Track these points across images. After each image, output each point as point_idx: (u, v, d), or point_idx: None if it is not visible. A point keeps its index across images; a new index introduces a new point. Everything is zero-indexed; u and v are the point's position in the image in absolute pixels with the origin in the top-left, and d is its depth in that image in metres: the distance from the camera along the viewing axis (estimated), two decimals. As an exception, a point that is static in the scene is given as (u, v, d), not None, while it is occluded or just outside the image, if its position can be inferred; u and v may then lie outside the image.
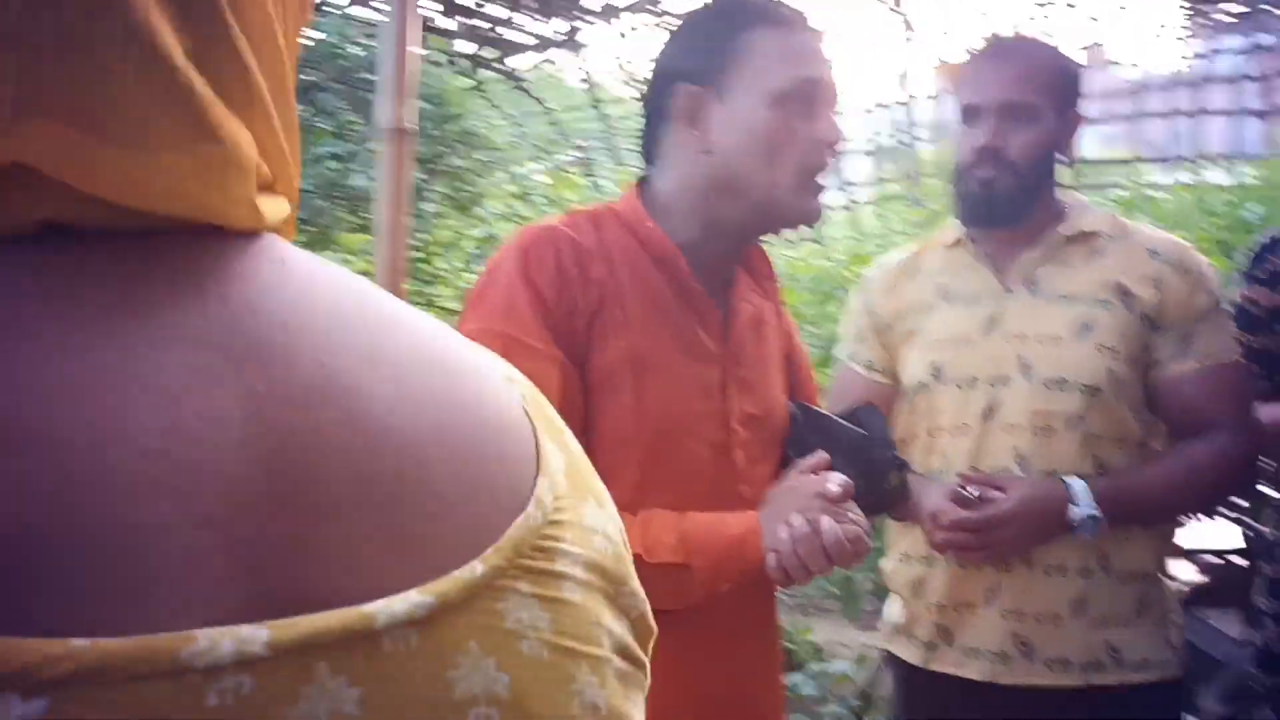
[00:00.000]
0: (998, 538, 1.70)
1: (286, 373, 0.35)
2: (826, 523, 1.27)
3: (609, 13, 5.53)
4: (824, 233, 8.45)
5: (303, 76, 2.81)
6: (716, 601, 1.33)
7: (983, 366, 1.80)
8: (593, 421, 1.31)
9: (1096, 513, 1.68)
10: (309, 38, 2.97)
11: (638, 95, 8.34)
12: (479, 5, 4.38)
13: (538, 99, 5.45)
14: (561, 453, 0.42)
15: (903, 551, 1.93)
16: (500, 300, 1.28)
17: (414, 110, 1.81)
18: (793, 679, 3.48)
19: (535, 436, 0.41)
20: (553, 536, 0.39)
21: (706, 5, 1.47)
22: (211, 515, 0.32)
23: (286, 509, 0.33)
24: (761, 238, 1.48)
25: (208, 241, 0.36)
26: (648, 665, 0.45)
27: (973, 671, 1.79)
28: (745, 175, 1.36)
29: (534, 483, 0.39)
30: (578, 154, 7.56)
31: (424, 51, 3.59)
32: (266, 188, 0.38)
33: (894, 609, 1.96)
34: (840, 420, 1.47)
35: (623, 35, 7.34)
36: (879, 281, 1.99)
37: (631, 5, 6.29)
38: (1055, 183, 1.87)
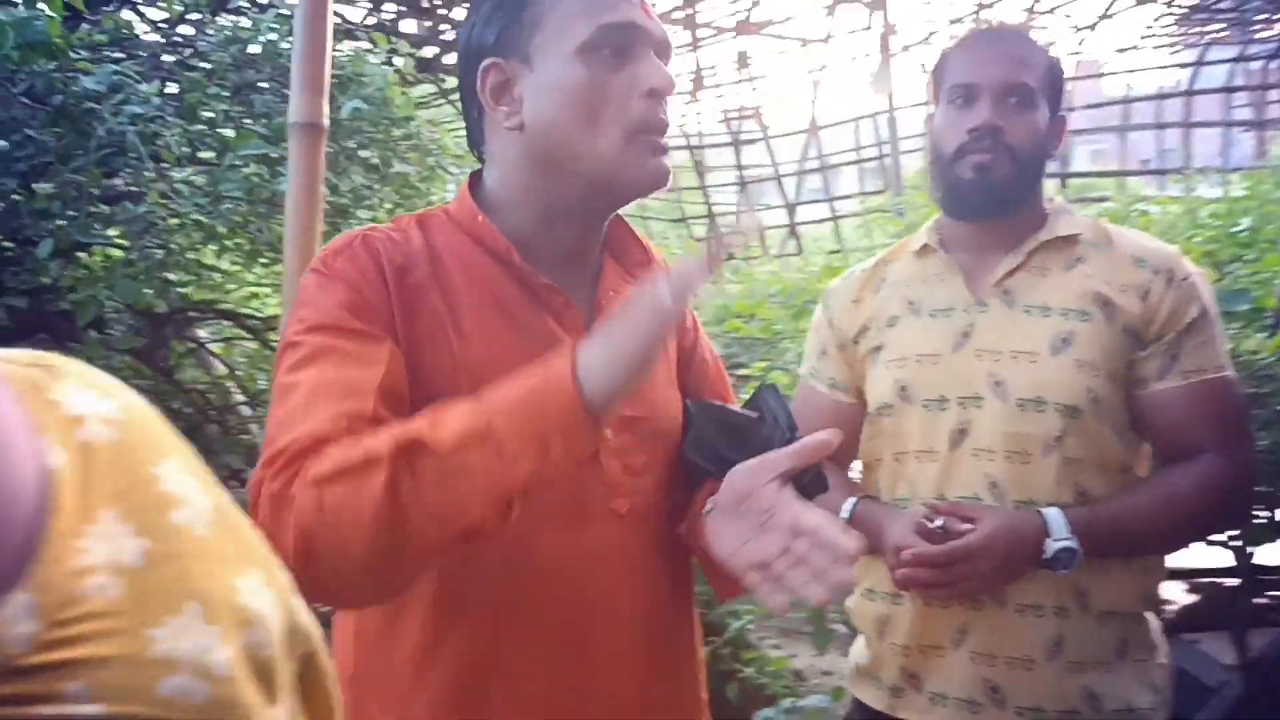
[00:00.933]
0: (965, 573, 1.54)
1: None
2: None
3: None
4: (806, 245, 8.34)
5: (237, 76, 2.65)
6: (602, 621, 1.17)
7: (952, 385, 1.65)
8: None
9: (1074, 545, 1.52)
10: (251, 36, 2.82)
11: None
12: (438, 7, 4.23)
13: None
14: (141, 537, 0.26)
15: (867, 587, 1.78)
16: (310, 302, 1.13)
17: (324, 105, 1.65)
18: (764, 714, 3.31)
19: (45, 521, 0.25)
20: (20, 695, 0.23)
21: None
22: None
23: None
24: (619, 211, 1.29)
25: None
26: None
27: (940, 720, 1.63)
28: (564, 145, 1.18)
29: None
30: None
31: (372, 53, 3.44)
32: None
33: (859, 649, 1.81)
34: (735, 409, 1.31)
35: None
36: (842, 293, 1.86)
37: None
38: (1041, 186, 1.73)
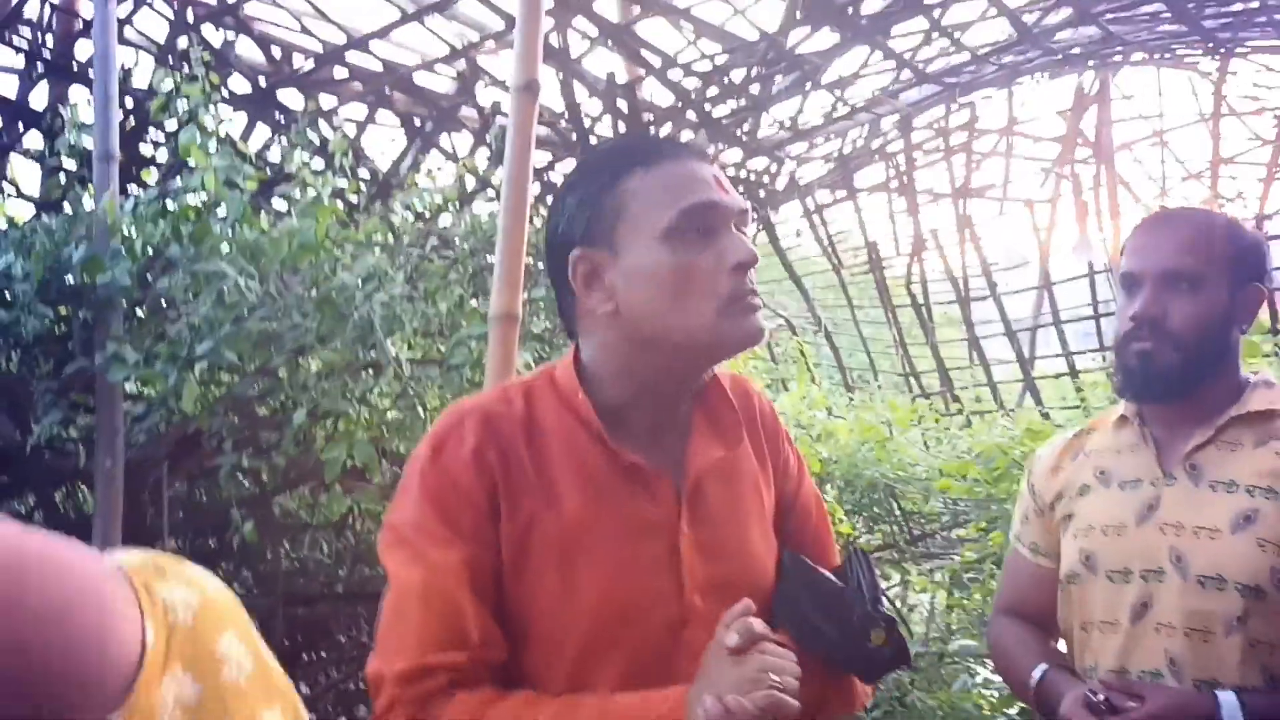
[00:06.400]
0: None
1: None
2: (733, 700, 1.12)
3: (796, 190, 5.72)
4: (1047, 399, 8.10)
5: (474, 262, 3.02)
6: None
7: (1135, 558, 1.65)
8: (526, 602, 1.26)
9: None
10: (490, 225, 3.20)
11: (833, 265, 8.51)
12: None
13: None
14: (197, 684, 0.43)
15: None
16: (409, 495, 1.29)
17: (519, 299, 1.90)
18: None
19: (139, 673, 0.42)
20: None
21: (583, 163, 1.42)
22: None
23: None
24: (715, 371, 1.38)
25: None
26: None
27: None
28: (659, 324, 1.28)
29: None
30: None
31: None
32: None
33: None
34: (825, 576, 1.33)
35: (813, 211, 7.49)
36: (1043, 460, 1.90)
37: (820, 180, 6.49)
38: (1234, 360, 1.72)
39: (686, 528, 1.30)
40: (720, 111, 5.66)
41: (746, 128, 5.90)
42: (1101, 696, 1.56)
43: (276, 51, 4.82)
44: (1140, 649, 1.61)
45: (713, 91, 5.42)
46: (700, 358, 1.32)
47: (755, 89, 5.39)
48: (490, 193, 4.76)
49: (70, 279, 3.21)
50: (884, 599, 1.29)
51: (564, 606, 1.25)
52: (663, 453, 1.33)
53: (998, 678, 4.30)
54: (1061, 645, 1.85)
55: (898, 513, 5.01)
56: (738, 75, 5.31)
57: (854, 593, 1.29)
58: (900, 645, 1.26)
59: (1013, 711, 3.54)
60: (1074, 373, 8.29)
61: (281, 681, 0.49)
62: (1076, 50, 6.50)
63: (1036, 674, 1.73)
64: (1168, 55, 7.11)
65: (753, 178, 6.55)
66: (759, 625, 1.18)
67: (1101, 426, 1.85)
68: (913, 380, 9.34)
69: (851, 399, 6.26)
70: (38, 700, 0.39)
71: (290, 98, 4.88)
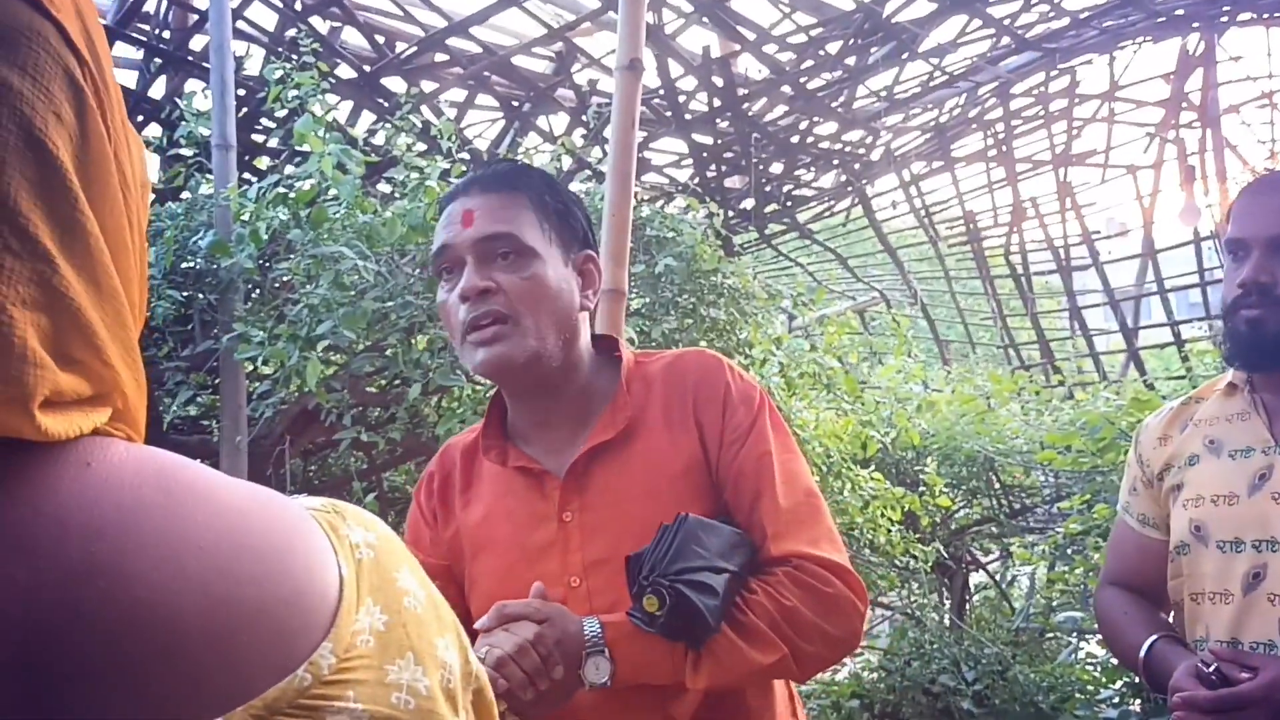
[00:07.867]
0: None
1: (50, 560, 0.41)
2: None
3: (891, 162, 5.66)
4: (1151, 370, 7.89)
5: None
6: None
7: (1247, 527, 1.64)
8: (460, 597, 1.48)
9: None
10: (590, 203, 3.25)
11: (930, 236, 8.42)
12: (756, 165, 4.61)
13: (827, 246, 5.61)
14: (385, 614, 0.48)
15: (1170, 724, 1.76)
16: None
17: (625, 274, 1.95)
18: None
19: (339, 603, 0.46)
20: (324, 695, 0.44)
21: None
22: None
23: (27, 673, 0.39)
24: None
25: (8, 453, 0.43)
26: None
27: None
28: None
29: (317, 648, 0.45)
30: (870, 296, 7.63)
31: (692, 210, 3.82)
32: (72, 401, 0.44)
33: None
34: (665, 538, 1.32)
35: (909, 182, 7.39)
36: (1151, 430, 1.88)
37: (916, 151, 6.40)
38: None
39: (566, 514, 1.41)
40: (815, 84, 5.64)
41: (841, 100, 5.86)
42: (1213, 667, 1.55)
43: (380, 39, 4.94)
44: (1253, 620, 1.60)
45: (808, 64, 5.40)
46: (490, 379, 1.48)
47: (851, 60, 5.36)
48: (587, 172, 4.83)
49: (193, 263, 3.37)
50: (692, 568, 1.28)
51: (473, 595, 1.46)
52: (559, 450, 1.45)
53: (1101, 651, 4.27)
54: (1170, 617, 1.85)
55: (997, 486, 4.96)
56: (833, 47, 5.28)
57: (643, 558, 1.30)
58: (684, 615, 1.27)
59: (1117, 685, 3.50)
60: (1180, 342, 8.05)
61: (448, 614, 0.53)
62: (1180, 12, 6.29)
63: (1146, 645, 1.72)
64: (1278, 14, 6.82)
65: (848, 150, 6.51)
66: (513, 606, 1.29)
67: (1210, 394, 1.82)
68: (1012, 352, 9.17)
69: (948, 372, 6.19)
70: (269, 627, 0.44)
71: (393, 83, 5.01)
